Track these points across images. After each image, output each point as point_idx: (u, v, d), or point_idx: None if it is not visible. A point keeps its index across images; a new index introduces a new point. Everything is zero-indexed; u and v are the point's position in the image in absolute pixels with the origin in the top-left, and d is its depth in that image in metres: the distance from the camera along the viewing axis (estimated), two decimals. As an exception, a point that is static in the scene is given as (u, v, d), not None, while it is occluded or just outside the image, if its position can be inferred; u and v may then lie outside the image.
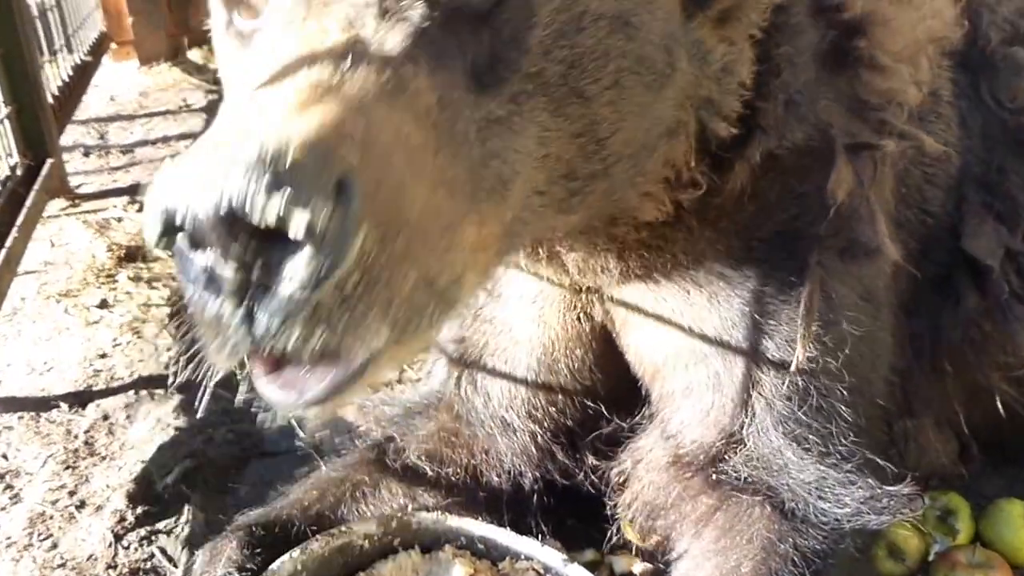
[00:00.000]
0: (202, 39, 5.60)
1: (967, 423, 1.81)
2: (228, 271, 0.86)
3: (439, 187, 1.00)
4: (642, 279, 1.57)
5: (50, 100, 3.44)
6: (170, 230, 0.86)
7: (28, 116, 3.16)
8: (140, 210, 3.19)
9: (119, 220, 3.10)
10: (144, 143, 4.02)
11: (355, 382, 0.99)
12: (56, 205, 3.27)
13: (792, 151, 1.49)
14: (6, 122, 3.04)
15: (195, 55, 5.47)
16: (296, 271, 0.86)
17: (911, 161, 1.66)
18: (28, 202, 2.76)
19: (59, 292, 2.68)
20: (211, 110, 4.51)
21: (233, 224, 0.83)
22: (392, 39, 1.02)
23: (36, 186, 2.94)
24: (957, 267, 1.72)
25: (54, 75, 3.78)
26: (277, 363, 0.98)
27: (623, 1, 1.19)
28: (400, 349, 1.01)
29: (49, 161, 3.16)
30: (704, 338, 1.57)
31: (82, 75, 4.34)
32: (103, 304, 2.58)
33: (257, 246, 0.85)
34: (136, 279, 2.67)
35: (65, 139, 3.77)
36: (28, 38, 3.25)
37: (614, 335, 1.70)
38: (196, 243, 0.86)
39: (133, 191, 3.42)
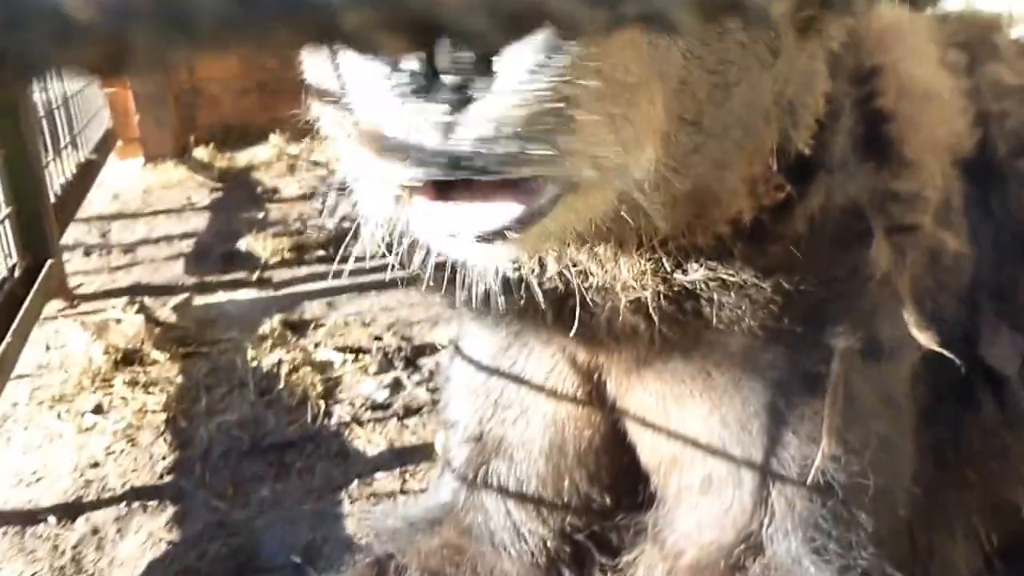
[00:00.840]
0: (208, 137, 5.70)
1: (991, 537, 1.76)
2: (454, 66, 0.81)
3: (631, 41, 0.96)
4: (665, 355, 1.53)
5: (52, 199, 3.44)
6: None
7: (29, 216, 3.15)
8: (139, 311, 3.16)
9: (118, 322, 3.06)
10: (146, 242, 4.02)
11: (546, 215, 0.94)
12: (54, 306, 3.24)
13: (833, 223, 1.49)
14: (6, 223, 3.03)
15: (201, 153, 5.54)
16: (519, 61, 0.82)
17: (924, 268, 1.66)
18: (25, 305, 2.73)
19: (52, 397, 2.62)
20: (215, 208, 4.53)
21: None
22: None
23: (34, 288, 2.91)
24: (975, 376, 1.70)
25: (58, 173, 3.80)
26: (446, 190, 0.92)
27: None
28: (592, 192, 0.98)
29: (49, 262, 3.14)
30: (725, 426, 1.52)
31: (86, 173, 4.37)
32: (97, 409, 2.51)
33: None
34: (132, 383, 2.61)
35: (67, 237, 3.77)
36: (33, 138, 3.28)
37: (626, 419, 1.66)
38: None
39: (133, 291, 3.39)
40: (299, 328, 2.99)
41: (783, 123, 1.37)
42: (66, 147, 4.18)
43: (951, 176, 1.73)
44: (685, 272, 1.42)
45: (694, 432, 1.55)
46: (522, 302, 1.48)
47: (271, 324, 2.96)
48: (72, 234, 4.02)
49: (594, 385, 1.66)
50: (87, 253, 3.87)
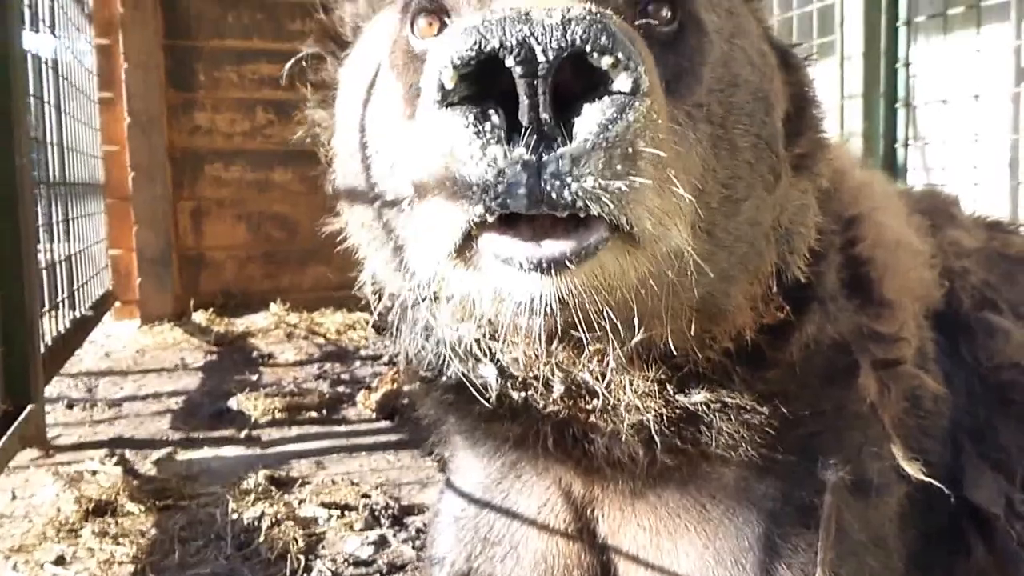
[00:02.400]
0: (208, 302, 5.73)
1: None
2: (533, 123, 0.94)
3: (670, 129, 1.09)
4: (660, 486, 1.53)
5: (42, 349, 3.39)
6: (480, 71, 0.93)
7: (16, 361, 3.09)
8: (118, 463, 3.00)
9: (94, 473, 2.91)
10: (133, 398, 3.92)
11: (596, 252, 1.02)
12: (28, 455, 3.09)
13: (820, 355, 1.54)
14: (-8, 365, 2.95)
15: (199, 317, 5.54)
16: (594, 116, 0.95)
17: (905, 412, 1.72)
18: (-2, 448, 2.61)
19: (11, 547, 2.41)
20: (208, 369, 4.46)
21: (549, 73, 0.91)
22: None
23: (9, 431, 2.79)
24: (963, 518, 1.74)
25: (51, 326, 3.76)
26: (508, 226, 1.01)
27: (763, 82, 1.38)
28: (629, 250, 1.05)
29: (29, 407, 3.03)
30: (719, 561, 1.52)
31: (80, 329, 4.34)
32: (59, 561, 2.31)
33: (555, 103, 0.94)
34: (102, 534, 2.43)
35: (52, 390, 3.68)
36: (32, 288, 3.28)
37: (618, 557, 1.63)
38: (503, 87, 0.93)
39: (114, 444, 3.25)
40: (285, 484, 2.83)
41: (781, 247, 1.47)
42: (63, 302, 4.18)
43: (924, 326, 1.84)
44: (687, 394, 1.45)
45: (687, 569, 1.54)
46: (522, 428, 1.51)
47: (256, 479, 2.81)
48: (58, 387, 3.94)
49: (586, 521, 1.65)
50: (70, 406, 3.75)
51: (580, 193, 0.96)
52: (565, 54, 0.91)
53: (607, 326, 1.14)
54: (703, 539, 1.53)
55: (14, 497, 2.77)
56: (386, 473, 2.96)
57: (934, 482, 1.61)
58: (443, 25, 1.31)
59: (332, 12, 1.68)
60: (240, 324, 5.43)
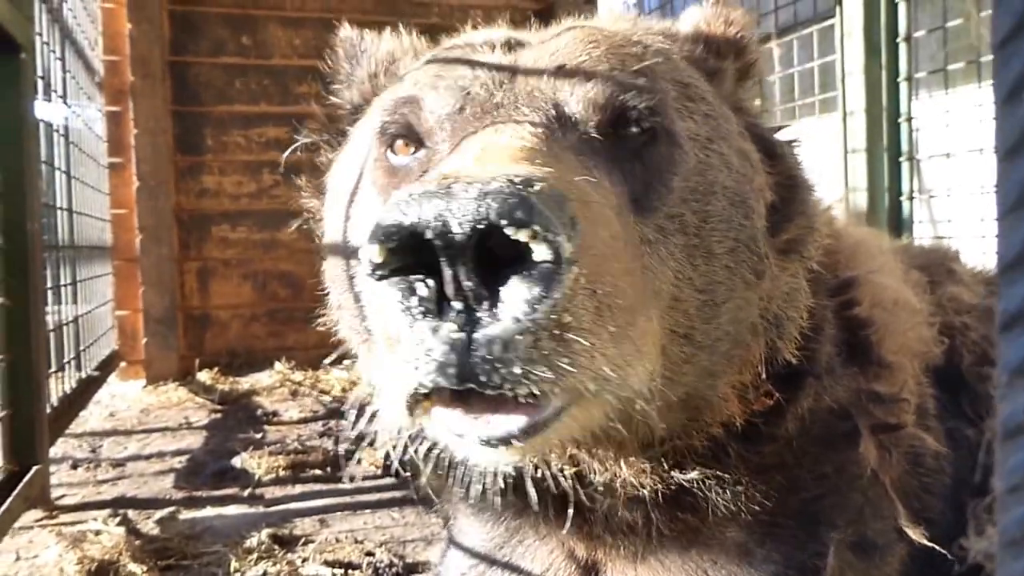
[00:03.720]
0: (213, 362, 5.81)
1: None
2: (459, 293, 0.94)
3: (626, 269, 1.10)
4: (663, 550, 1.55)
5: (48, 410, 3.46)
6: (399, 248, 0.94)
7: (22, 423, 3.16)
8: (121, 523, 3.05)
9: (97, 533, 2.95)
10: (137, 458, 3.96)
11: (548, 426, 1.02)
12: (32, 516, 3.13)
13: (819, 423, 1.57)
14: (-1, 425, 3.03)
15: (204, 376, 5.61)
16: (520, 296, 0.94)
17: (908, 471, 1.74)
18: (2, 508, 2.66)
19: (14, 611, 2.46)
20: (212, 428, 4.51)
21: (471, 247, 0.91)
22: (572, 148, 1.21)
23: (14, 492, 2.85)
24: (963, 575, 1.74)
25: (57, 387, 3.84)
26: (459, 398, 1.01)
27: (740, 185, 1.40)
28: (594, 404, 1.05)
29: (34, 468, 3.09)
30: None
31: (85, 390, 4.42)
32: (60, 623, 2.35)
33: (480, 273, 0.93)
34: (103, 595, 2.47)
35: (56, 450, 3.73)
36: (39, 349, 3.36)
37: None
38: (432, 257, 0.93)
39: (117, 504, 3.29)
40: (288, 543, 2.86)
41: (770, 335, 1.49)
42: (69, 363, 4.27)
43: (924, 382, 1.85)
44: (683, 471, 1.48)
45: None
46: (523, 500, 1.51)
47: (259, 538, 2.84)
48: (63, 448, 3.99)
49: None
50: (74, 466, 3.80)
51: (508, 377, 0.95)
52: (481, 227, 0.90)
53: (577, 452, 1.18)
54: None
55: (18, 558, 2.81)
56: (390, 530, 2.98)
57: (936, 547, 1.62)
58: (420, 146, 1.38)
59: (332, 94, 1.81)
60: (245, 383, 5.49)
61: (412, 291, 0.95)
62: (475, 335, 0.94)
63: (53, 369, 3.78)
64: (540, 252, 0.92)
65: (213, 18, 6.01)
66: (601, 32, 1.46)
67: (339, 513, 3.15)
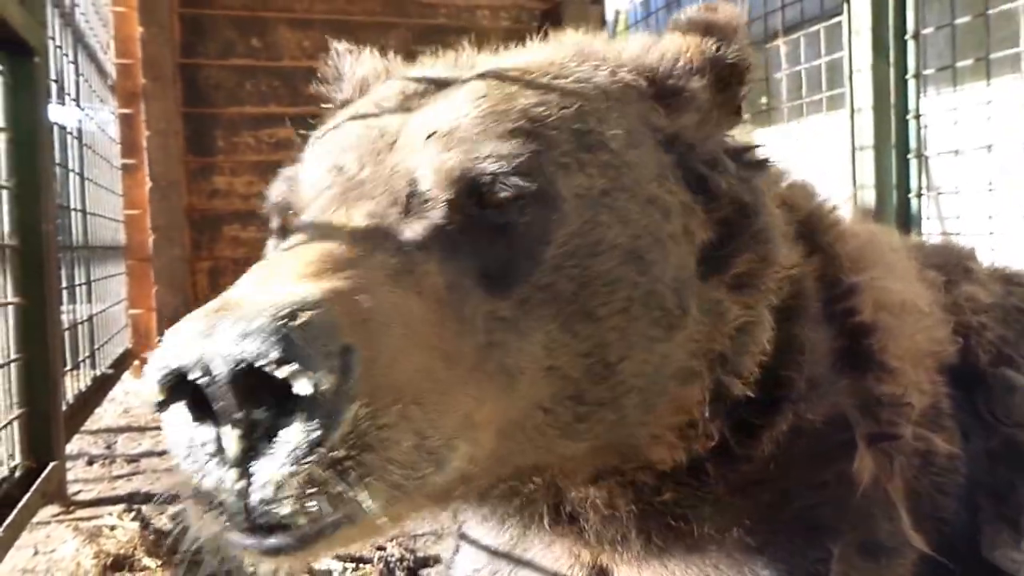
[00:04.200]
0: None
1: None
2: (230, 437, 0.92)
3: (437, 355, 1.07)
4: (661, 557, 1.55)
5: (64, 408, 3.52)
6: (176, 387, 0.92)
7: (38, 420, 3.21)
8: (136, 518, 3.11)
9: (112, 528, 3.01)
10: (151, 454, 4.03)
11: (322, 540, 1.01)
12: (49, 511, 3.20)
13: (812, 434, 1.56)
14: (15, 424, 3.09)
15: (216, 375, 5.67)
16: (292, 436, 0.92)
17: (920, 470, 1.72)
18: (20, 504, 2.71)
19: (32, 603, 2.52)
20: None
21: (237, 386, 0.89)
22: (410, 231, 1.17)
23: (32, 488, 2.90)
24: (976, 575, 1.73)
25: (72, 385, 3.91)
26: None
27: (638, 239, 1.32)
28: (388, 511, 1.04)
29: (51, 465, 3.15)
30: None
31: (100, 387, 4.49)
32: (78, 616, 2.41)
33: (253, 415, 0.92)
34: (119, 588, 2.52)
35: (72, 447, 3.80)
36: (54, 348, 3.42)
37: None
38: (200, 402, 0.92)
39: (132, 500, 3.36)
40: (300, 537, 2.91)
41: (715, 375, 1.43)
42: (84, 361, 4.34)
43: (938, 382, 1.83)
44: (659, 492, 1.49)
45: None
46: (518, 509, 1.56)
47: (271, 532, 2.89)
48: (78, 444, 4.05)
49: None
50: (90, 463, 3.87)
51: (288, 517, 0.95)
52: (241, 368, 0.89)
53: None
54: None
55: (36, 552, 2.87)
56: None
57: (938, 557, 1.61)
58: None
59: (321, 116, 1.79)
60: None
61: (192, 433, 0.95)
62: (252, 481, 0.94)
63: (68, 367, 3.84)
64: (302, 388, 0.91)
65: (222, 21, 6.07)
66: (504, 80, 1.38)
67: (350, 509, 3.19)
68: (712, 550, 1.55)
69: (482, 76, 1.41)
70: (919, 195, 4.81)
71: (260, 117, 6.11)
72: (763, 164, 1.56)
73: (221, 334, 0.90)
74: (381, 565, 2.65)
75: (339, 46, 1.87)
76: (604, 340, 1.27)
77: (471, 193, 1.23)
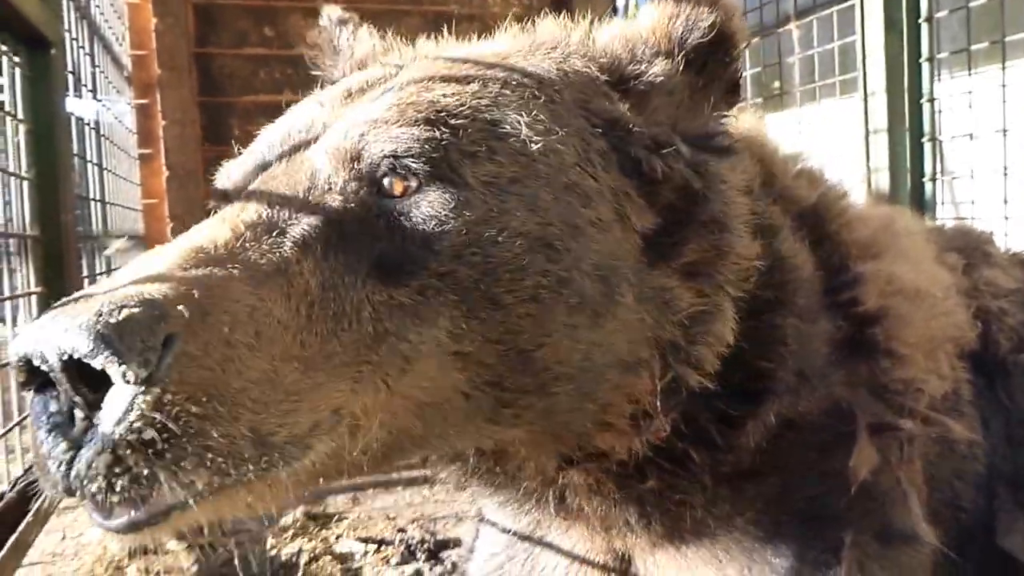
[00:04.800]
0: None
1: None
2: (58, 416, 1.04)
3: (293, 358, 1.12)
4: (671, 542, 1.57)
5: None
6: (31, 370, 1.04)
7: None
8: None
9: (136, 513, 3.07)
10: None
11: (158, 523, 1.09)
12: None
13: (810, 426, 1.56)
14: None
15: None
16: (102, 418, 1.02)
17: (939, 456, 1.71)
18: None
19: (62, 585, 2.58)
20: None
21: (70, 371, 1.01)
22: (299, 226, 1.19)
23: (58, 474, 2.96)
24: (992, 564, 1.72)
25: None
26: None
27: (548, 227, 1.30)
28: (222, 497, 1.11)
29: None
30: None
31: (121, 376, 4.55)
32: (106, 597, 2.46)
33: (75, 397, 1.03)
34: (146, 572, 2.58)
35: (94, 435, 3.86)
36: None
37: None
38: (46, 386, 1.05)
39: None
40: (322, 520, 2.97)
41: (668, 365, 1.41)
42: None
43: (959, 367, 1.81)
44: (643, 479, 1.49)
45: None
46: (526, 495, 1.59)
47: (294, 515, 2.95)
48: (100, 432, 4.12)
49: (619, 564, 1.69)
50: (113, 449, 3.93)
51: (98, 490, 1.04)
52: (67, 358, 1.01)
53: None
54: None
55: (64, 537, 2.94)
56: (421, 507, 3.07)
57: (950, 553, 1.61)
58: None
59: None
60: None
61: (45, 406, 1.07)
62: (78, 453, 1.04)
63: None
64: (113, 376, 1.01)
65: (235, 10, 6.10)
66: (431, 70, 1.41)
67: (371, 491, 3.24)
68: (721, 535, 1.56)
69: (412, 70, 1.44)
70: (933, 179, 4.80)
71: (274, 105, 6.08)
72: (725, 150, 1.52)
73: (53, 327, 1.02)
74: (402, 547, 2.70)
75: (331, 12, 1.89)
76: (514, 327, 1.26)
77: (369, 181, 1.26)
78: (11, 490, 2.65)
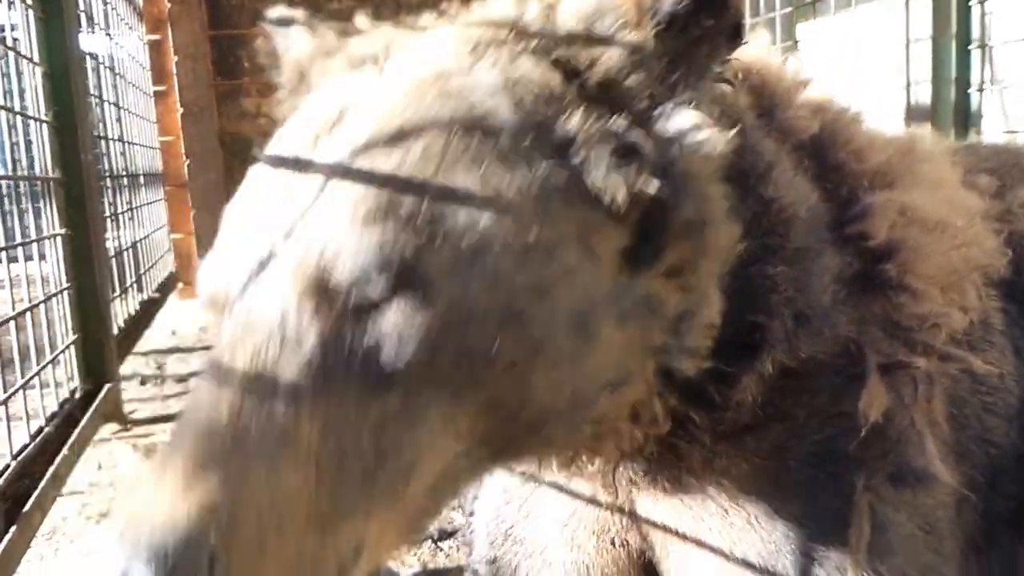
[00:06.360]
0: (267, 282, 6.16)
1: None
2: None
3: (312, 521, 1.14)
4: (675, 494, 1.60)
5: (115, 332, 3.84)
6: None
7: (92, 345, 3.51)
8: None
9: (167, 444, 3.33)
10: (199, 373, 4.34)
11: None
12: (109, 429, 3.53)
13: (816, 370, 1.54)
14: (72, 349, 3.40)
15: (258, 296, 5.97)
16: None
17: (967, 390, 1.69)
18: (81, 424, 3.03)
19: (100, 513, 2.85)
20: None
21: None
22: (287, 370, 1.16)
23: (91, 409, 3.22)
24: None
25: (122, 309, 4.22)
26: None
27: (514, 299, 1.25)
28: None
29: (107, 386, 3.47)
30: (747, 564, 1.56)
31: (148, 311, 4.81)
32: (142, 524, 2.73)
33: None
34: (177, 499, 2.82)
35: (125, 368, 4.11)
36: (103, 276, 3.71)
37: (654, 561, 1.72)
38: None
39: (184, 418, 3.68)
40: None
41: (660, 365, 1.40)
42: (131, 286, 4.65)
43: (988, 297, 1.77)
44: (643, 448, 1.52)
45: (715, 570, 1.59)
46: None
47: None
48: (131, 365, 4.38)
49: (617, 531, 1.75)
50: (143, 383, 4.21)
51: None
52: None
53: None
54: (728, 544, 1.58)
55: (100, 468, 3.21)
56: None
57: (967, 493, 1.60)
58: None
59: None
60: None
61: None
62: None
63: (117, 293, 4.15)
64: None
65: (242, -60, 6.17)
66: (371, 124, 1.32)
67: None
68: (726, 485, 1.57)
69: (351, 122, 1.35)
70: (980, 89, 4.53)
71: (286, 35, 6.22)
72: (700, 145, 1.38)
73: (120, 554, 1.03)
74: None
75: (273, 16, 1.77)
76: (497, 399, 1.26)
77: (339, 307, 1.19)
78: (47, 424, 2.91)
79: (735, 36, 1.42)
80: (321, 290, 1.20)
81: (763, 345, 1.48)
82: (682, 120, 1.39)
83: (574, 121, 1.34)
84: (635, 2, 1.37)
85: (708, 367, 1.44)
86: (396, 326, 1.19)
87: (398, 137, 1.29)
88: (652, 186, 1.32)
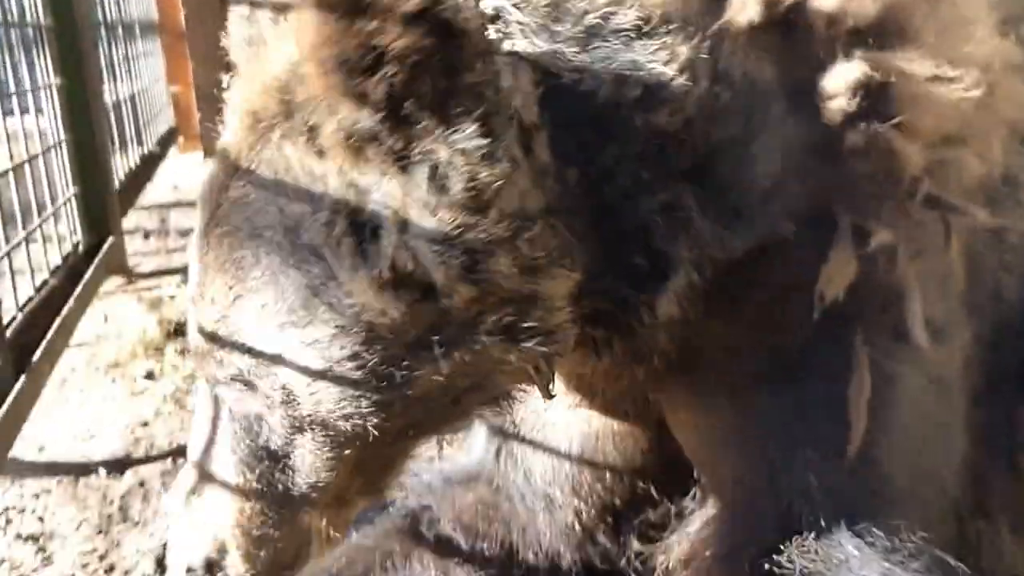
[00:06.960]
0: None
1: None
2: None
3: None
4: (685, 372, 1.58)
5: (117, 186, 3.81)
6: None
7: (93, 199, 3.50)
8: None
9: (172, 297, 3.36)
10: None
11: None
12: (114, 282, 3.56)
13: (776, 251, 1.45)
14: (73, 202, 3.38)
15: (259, 147, 5.91)
16: None
17: (986, 246, 1.65)
18: (86, 277, 3.05)
19: (108, 363, 2.90)
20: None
21: None
22: None
23: (95, 262, 3.24)
24: None
25: (123, 164, 4.18)
26: None
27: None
28: None
29: (109, 240, 3.48)
30: (758, 424, 1.55)
31: (149, 164, 4.77)
32: (149, 375, 2.79)
33: None
34: (183, 352, 2.88)
35: (128, 223, 4.11)
36: (100, 129, 3.65)
37: (665, 415, 1.72)
38: None
39: (186, 271, 3.70)
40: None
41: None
42: (131, 140, 4.59)
43: (1014, 151, 1.69)
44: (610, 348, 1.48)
45: (724, 433, 1.60)
46: None
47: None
48: (134, 220, 4.37)
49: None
50: (146, 236, 4.22)
51: None
52: None
53: None
54: (734, 405, 1.58)
55: (106, 320, 3.25)
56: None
57: (985, 357, 1.60)
58: None
59: None
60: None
61: None
62: None
63: (117, 148, 4.10)
64: None
65: None
66: (217, 252, 1.34)
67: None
68: (723, 382, 1.57)
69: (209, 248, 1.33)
70: None
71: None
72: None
73: None
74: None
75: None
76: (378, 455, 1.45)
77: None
78: (52, 276, 2.92)
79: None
80: None
81: (667, 269, 1.39)
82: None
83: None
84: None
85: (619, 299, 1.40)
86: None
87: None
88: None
